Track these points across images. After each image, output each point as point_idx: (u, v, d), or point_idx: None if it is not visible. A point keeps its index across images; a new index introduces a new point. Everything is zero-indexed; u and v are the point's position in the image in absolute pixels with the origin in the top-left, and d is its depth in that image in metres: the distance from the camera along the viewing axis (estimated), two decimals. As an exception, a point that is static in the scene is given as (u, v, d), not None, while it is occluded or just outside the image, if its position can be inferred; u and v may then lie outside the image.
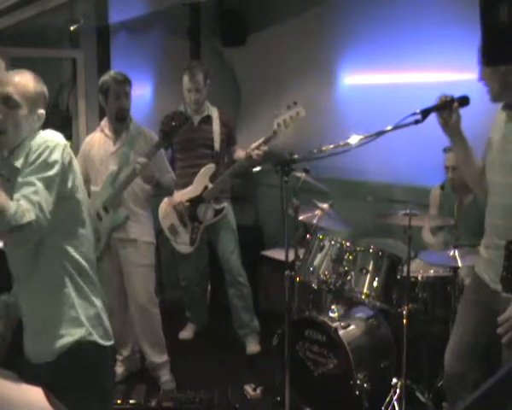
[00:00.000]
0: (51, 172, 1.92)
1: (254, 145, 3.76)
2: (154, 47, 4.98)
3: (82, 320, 2.02)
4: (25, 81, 1.99)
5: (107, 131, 3.57)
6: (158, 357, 3.66)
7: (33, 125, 2.01)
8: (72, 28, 4.27)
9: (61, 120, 4.75)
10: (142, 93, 4.92)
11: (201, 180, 4.00)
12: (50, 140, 1.96)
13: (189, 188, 4.01)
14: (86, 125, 4.68)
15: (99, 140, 3.58)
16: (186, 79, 4.00)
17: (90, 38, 4.64)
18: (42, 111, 2.03)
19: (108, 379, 2.15)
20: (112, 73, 3.57)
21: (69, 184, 2.00)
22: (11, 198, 1.90)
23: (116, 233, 3.51)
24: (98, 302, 2.10)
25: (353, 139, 2.38)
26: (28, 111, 1.98)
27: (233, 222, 4.20)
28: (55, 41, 4.53)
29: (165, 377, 3.67)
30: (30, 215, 1.83)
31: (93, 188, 3.55)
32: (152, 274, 3.65)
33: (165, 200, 4.08)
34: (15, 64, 4.20)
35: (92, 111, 4.66)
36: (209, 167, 4.00)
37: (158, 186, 3.51)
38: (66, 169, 1.97)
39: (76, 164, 2.06)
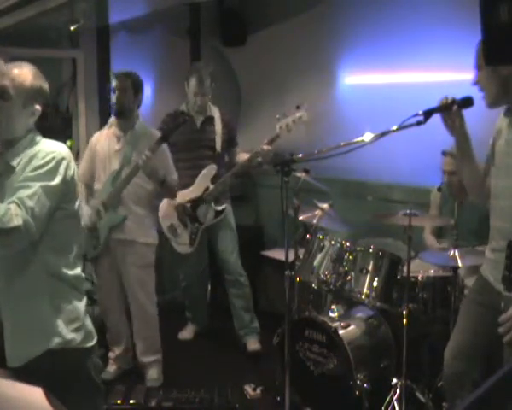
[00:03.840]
0: (53, 183, 1.92)
1: (259, 148, 3.74)
2: (154, 47, 4.98)
3: (60, 329, 1.99)
4: (23, 75, 1.97)
5: (114, 128, 3.57)
6: (149, 356, 3.66)
7: (27, 120, 2.00)
8: (72, 28, 4.26)
9: (61, 120, 4.74)
10: (141, 93, 4.91)
11: (203, 181, 3.99)
12: (58, 152, 1.96)
13: (190, 188, 4.00)
14: (86, 125, 4.67)
15: (105, 137, 3.58)
16: (193, 82, 3.94)
17: (90, 38, 4.63)
18: (37, 107, 2.01)
19: (94, 376, 2.11)
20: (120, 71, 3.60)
21: (71, 199, 2.01)
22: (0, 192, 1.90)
23: (114, 233, 3.50)
24: (81, 307, 2.08)
25: (367, 136, 2.37)
26: (22, 105, 1.97)
27: (232, 222, 4.19)
28: (55, 41, 4.52)
29: (153, 375, 3.66)
30: (18, 220, 1.81)
31: (96, 185, 3.56)
32: (151, 275, 3.63)
33: (165, 200, 4.08)
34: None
35: (92, 111, 4.66)
36: (211, 168, 3.99)
37: (163, 185, 3.48)
38: (69, 183, 1.98)
39: (77, 179, 2.06)
